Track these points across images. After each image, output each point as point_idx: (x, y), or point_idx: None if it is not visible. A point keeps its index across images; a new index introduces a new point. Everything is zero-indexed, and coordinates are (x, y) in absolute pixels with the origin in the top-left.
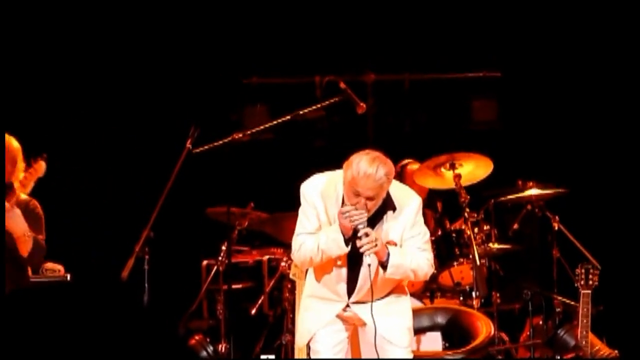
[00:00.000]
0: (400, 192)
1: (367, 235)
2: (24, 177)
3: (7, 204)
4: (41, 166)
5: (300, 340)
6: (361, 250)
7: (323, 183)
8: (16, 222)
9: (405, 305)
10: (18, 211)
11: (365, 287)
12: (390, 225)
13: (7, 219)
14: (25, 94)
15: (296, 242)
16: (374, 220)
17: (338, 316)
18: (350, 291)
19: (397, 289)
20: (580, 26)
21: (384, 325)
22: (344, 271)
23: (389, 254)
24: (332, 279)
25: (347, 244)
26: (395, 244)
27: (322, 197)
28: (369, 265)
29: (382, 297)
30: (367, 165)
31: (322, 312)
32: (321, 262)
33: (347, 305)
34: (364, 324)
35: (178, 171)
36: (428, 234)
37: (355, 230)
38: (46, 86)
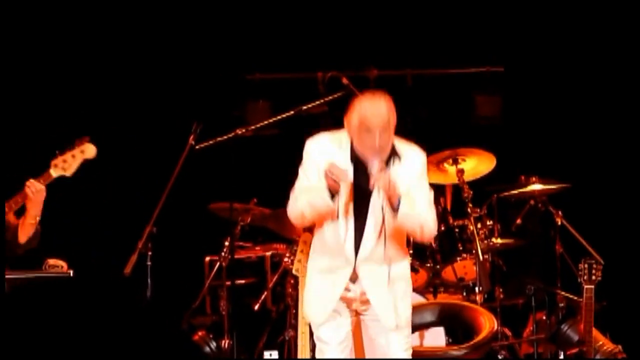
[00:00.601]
0: (405, 145)
1: (382, 174)
2: (64, 159)
3: (39, 181)
4: (89, 148)
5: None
6: (377, 185)
7: (328, 140)
8: (38, 202)
9: (406, 283)
10: (44, 192)
11: (370, 242)
12: (396, 174)
13: (34, 195)
14: (28, 88)
15: (291, 197)
16: (388, 162)
17: (342, 299)
18: (357, 250)
19: (400, 255)
20: (582, 21)
21: (382, 305)
22: (350, 226)
23: (400, 198)
24: (338, 237)
25: (332, 199)
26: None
27: (326, 153)
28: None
29: (385, 264)
30: (369, 98)
31: (327, 293)
32: (312, 218)
33: (354, 274)
34: (366, 308)
35: (181, 167)
36: (432, 193)
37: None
38: (50, 82)
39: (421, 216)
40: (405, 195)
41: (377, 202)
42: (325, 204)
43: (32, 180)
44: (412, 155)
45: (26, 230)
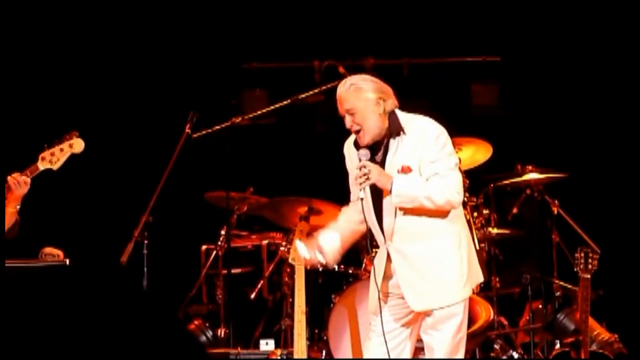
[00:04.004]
0: (414, 119)
1: (360, 169)
2: (51, 152)
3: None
4: (78, 143)
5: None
6: (357, 184)
7: (353, 138)
8: (20, 195)
9: (443, 259)
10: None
11: (390, 225)
12: (403, 150)
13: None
14: (24, 79)
15: None
16: (378, 147)
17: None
18: (382, 230)
19: (436, 231)
20: (579, 10)
21: (404, 285)
22: (373, 217)
23: (392, 183)
24: (372, 227)
25: None
26: (411, 169)
27: (349, 154)
28: (362, 199)
29: (419, 240)
30: (342, 82)
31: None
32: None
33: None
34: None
35: (177, 156)
36: (455, 159)
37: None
38: (46, 71)
39: (424, 190)
40: (401, 176)
41: None
42: None
43: (16, 174)
44: (419, 127)
45: (7, 220)
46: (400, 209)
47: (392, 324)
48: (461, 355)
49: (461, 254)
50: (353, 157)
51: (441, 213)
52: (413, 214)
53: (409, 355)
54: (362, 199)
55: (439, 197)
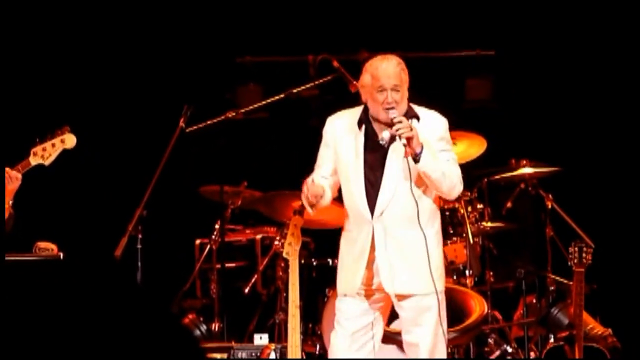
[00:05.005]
0: (425, 110)
1: (401, 122)
2: (43, 147)
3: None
4: (69, 138)
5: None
6: (397, 132)
7: (343, 115)
8: (13, 189)
9: (431, 248)
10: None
11: (385, 202)
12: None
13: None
14: (15, 73)
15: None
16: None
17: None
18: (372, 208)
19: (424, 219)
20: (573, 4)
21: (397, 276)
22: (363, 192)
23: (422, 146)
24: (355, 202)
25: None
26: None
27: (337, 130)
28: (384, 143)
29: (408, 225)
30: (380, 58)
31: (351, 267)
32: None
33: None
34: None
35: (171, 150)
36: (456, 157)
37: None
38: (39, 66)
39: (443, 165)
40: (427, 145)
41: (393, 162)
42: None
43: (7, 169)
44: (431, 118)
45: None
46: (399, 191)
47: (361, 311)
48: (444, 349)
49: (440, 249)
50: (337, 132)
51: (430, 204)
52: (409, 198)
53: (377, 345)
54: (384, 143)
55: (452, 179)
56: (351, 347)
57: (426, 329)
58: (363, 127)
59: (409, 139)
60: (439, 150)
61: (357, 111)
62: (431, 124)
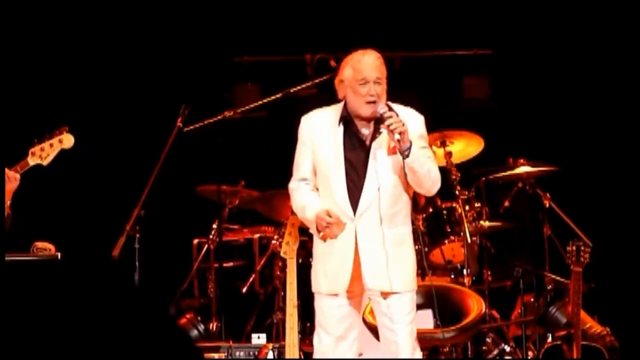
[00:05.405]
0: (402, 107)
1: (391, 116)
2: (41, 147)
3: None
4: (67, 138)
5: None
6: (390, 127)
7: (320, 114)
8: (11, 190)
9: (408, 246)
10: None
11: (368, 201)
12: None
13: (7, 181)
14: (14, 73)
15: (290, 185)
16: (380, 123)
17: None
18: (355, 207)
19: (402, 217)
20: (571, 3)
21: (384, 274)
22: (345, 190)
23: (411, 142)
24: (333, 197)
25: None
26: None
27: (316, 129)
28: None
29: (389, 224)
30: (360, 52)
31: (335, 266)
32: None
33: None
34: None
35: (169, 150)
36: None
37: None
38: (37, 65)
39: (428, 161)
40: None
41: (376, 161)
42: (312, 230)
43: (6, 170)
44: (410, 115)
45: None
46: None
47: (342, 311)
48: (418, 346)
49: (413, 249)
50: (316, 130)
51: (408, 202)
52: (391, 196)
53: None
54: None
55: (434, 175)
56: (336, 353)
57: (406, 327)
58: (342, 124)
59: (401, 134)
60: (419, 147)
61: (333, 109)
62: (410, 121)
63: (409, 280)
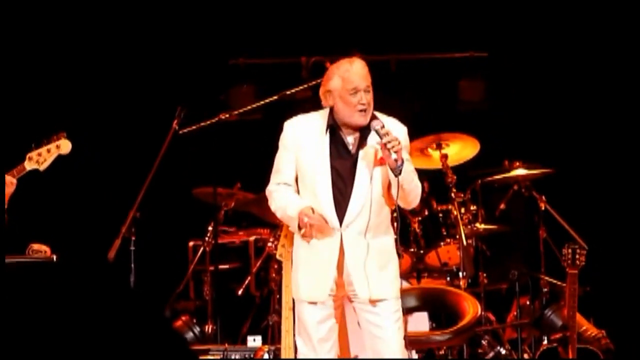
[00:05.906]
0: (386, 116)
1: (387, 134)
2: (39, 152)
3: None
4: (65, 144)
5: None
6: (388, 146)
7: (304, 120)
8: (7, 194)
9: (392, 255)
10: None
11: (355, 211)
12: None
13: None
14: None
15: (269, 188)
16: (366, 134)
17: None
18: (341, 217)
19: (384, 227)
20: (566, 6)
21: (372, 282)
22: (331, 200)
23: (403, 159)
24: (319, 206)
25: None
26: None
27: (301, 135)
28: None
29: (374, 233)
30: (347, 60)
31: (318, 274)
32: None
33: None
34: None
35: (164, 152)
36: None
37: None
38: (33, 68)
39: (414, 176)
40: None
41: (363, 171)
42: (292, 228)
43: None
44: (394, 125)
45: None
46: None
47: (323, 317)
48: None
49: (396, 257)
50: (300, 136)
51: (389, 212)
52: (376, 206)
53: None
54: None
55: (418, 189)
56: (319, 356)
57: (397, 331)
58: (328, 132)
59: (397, 152)
60: (405, 160)
61: (317, 116)
62: (394, 132)
63: (395, 287)
